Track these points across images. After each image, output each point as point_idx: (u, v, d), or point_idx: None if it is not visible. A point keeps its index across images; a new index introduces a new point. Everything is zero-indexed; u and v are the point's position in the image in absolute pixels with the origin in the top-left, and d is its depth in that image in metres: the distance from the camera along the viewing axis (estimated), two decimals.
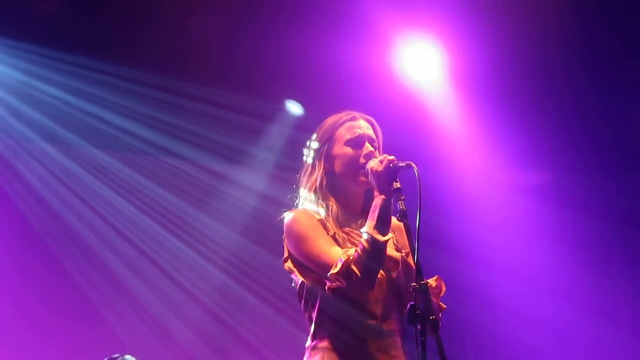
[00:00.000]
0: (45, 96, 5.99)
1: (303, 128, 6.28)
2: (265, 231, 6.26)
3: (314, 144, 3.22)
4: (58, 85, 5.95)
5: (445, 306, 3.03)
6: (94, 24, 5.63)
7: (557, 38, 5.78)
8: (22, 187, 6.17)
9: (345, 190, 3.15)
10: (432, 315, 2.66)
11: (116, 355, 4.98)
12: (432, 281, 2.98)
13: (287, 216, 3.09)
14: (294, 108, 6.53)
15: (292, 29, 5.63)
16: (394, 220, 2.94)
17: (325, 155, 3.17)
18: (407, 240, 2.89)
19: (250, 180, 6.72)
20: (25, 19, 5.54)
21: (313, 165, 3.21)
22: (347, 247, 2.97)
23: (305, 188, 3.20)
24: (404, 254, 3.06)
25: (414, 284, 2.71)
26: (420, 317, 2.65)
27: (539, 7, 5.54)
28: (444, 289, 3.04)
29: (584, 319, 6.53)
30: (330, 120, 3.24)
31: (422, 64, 6.09)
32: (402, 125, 5.92)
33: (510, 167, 6.59)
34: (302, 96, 6.46)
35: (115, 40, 5.76)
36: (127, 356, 4.97)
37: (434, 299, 2.91)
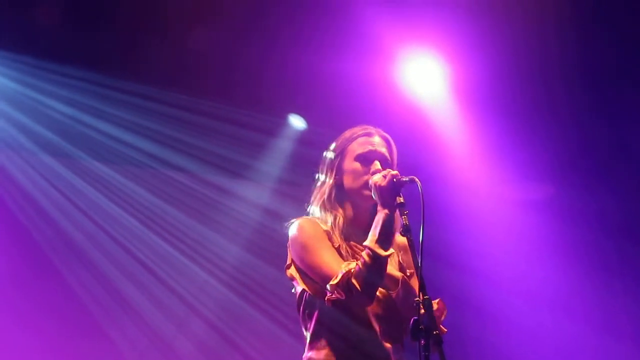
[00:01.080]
0: (48, 109, 5.99)
1: (306, 142, 6.30)
2: (269, 245, 6.26)
3: (329, 156, 3.23)
4: (60, 98, 5.95)
5: (446, 330, 2.94)
6: (96, 37, 5.63)
7: (559, 52, 5.80)
8: (24, 200, 6.17)
9: (353, 204, 3.15)
10: (435, 330, 2.64)
11: None
12: (434, 303, 2.91)
13: (294, 224, 3.10)
14: (297, 122, 6.54)
15: (295, 43, 5.64)
16: (400, 238, 2.94)
17: (336, 168, 3.19)
18: (412, 259, 2.85)
19: (253, 195, 6.72)
20: (27, 32, 5.55)
21: (325, 177, 3.22)
22: (350, 260, 2.96)
23: (315, 198, 3.22)
24: (407, 275, 3.05)
25: (417, 298, 2.69)
26: (424, 332, 2.63)
27: (540, 22, 5.56)
28: (445, 312, 3.01)
29: (585, 332, 6.51)
30: (347, 133, 3.26)
31: (425, 78, 6.11)
32: (405, 139, 5.87)
33: (512, 181, 6.59)
34: (305, 110, 6.46)
35: (118, 54, 5.77)
36: None
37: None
